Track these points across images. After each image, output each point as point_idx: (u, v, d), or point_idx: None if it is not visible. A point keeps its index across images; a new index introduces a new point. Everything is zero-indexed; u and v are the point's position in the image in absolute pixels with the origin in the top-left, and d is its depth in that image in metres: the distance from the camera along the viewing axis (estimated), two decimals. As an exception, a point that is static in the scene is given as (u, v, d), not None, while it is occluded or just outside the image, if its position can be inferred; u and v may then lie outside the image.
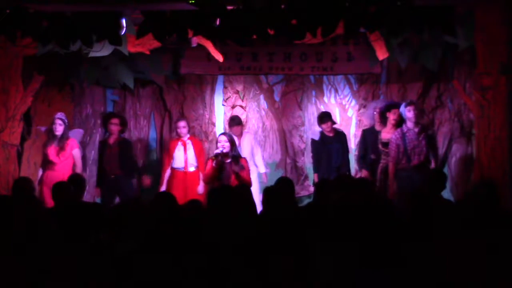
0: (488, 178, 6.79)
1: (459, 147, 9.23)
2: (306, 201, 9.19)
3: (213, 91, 9.98)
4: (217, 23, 6.54)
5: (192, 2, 6.35)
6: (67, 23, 6.82)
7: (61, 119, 8.41)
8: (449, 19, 6.67)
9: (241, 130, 9.30)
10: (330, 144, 8.86)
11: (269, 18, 6.41)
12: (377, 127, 8.71)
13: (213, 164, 7.57)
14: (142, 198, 8.75)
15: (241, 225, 4.96)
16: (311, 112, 9.85)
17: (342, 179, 6.64)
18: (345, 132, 9.32)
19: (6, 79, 8.22)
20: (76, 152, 8.40)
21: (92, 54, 8.01)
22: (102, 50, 7.86)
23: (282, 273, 4.28)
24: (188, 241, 4.50)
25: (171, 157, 9.02)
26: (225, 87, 9.96)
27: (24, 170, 8.82)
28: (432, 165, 8.24)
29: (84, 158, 8.77)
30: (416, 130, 8.12)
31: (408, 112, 8.13)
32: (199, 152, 9.00)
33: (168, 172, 9.04)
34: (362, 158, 8.82)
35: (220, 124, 9.95)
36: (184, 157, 8.94)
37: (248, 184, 7.28)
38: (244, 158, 7.86)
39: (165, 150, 9.54)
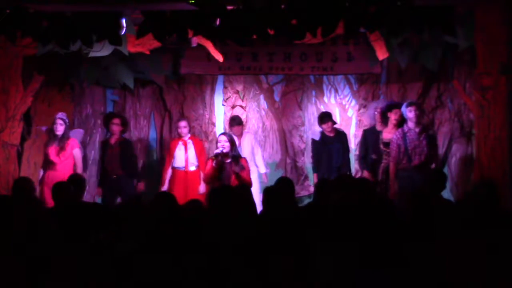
0: (488, 178, 6.79)
1: (459, 147, 9.23)
2: (306, 201, 9.19)
3: (213, 91, 9.98)
4: (217, 23, 6.53)
5: (192, 2, 6.35)
6: (67, 23, 6.82)
7: (62, 119, 8.41)
8: (449, 19, 6.67)
9: (242, 130, 9.30)
10: (331, 144, 8.86)
11: (269, 18, 6.41)
12: (378, 127, 8.71)
13: (213, 164, 7.57)
14: (143, 198, 8.75)
15: (241, 225, 4.96)
16: (311, 112, 9.85)
17: (342, 179, 6.64)
18: (345, 132, 9.31)
19: (6, 79, 8.22)
20: (77, 152, 8.41)
21: (92, 54, 8.01)
22: (102, 50, 7.86)
23: (282, 273, 4.28)
24: (188, 241, 4.50)
25: (171, 156, 9.02)
26: (225, 87, 9.95)
27: (24, 170, 8.82)
28: (433, 165, 8.24)
29: (85, 158, 8.77)
30: (417, 130, 8.12)
31: (409, 113, 8.13)
32: (199, 152, 9.00)
33: (169, 172, 9.05)
34: (363, 159, 8.82)
35: (220, 124, 9.94)
36: (184, 156, 8.95)
37: (249, 184, 7.28)
38: (244, 158, 7.86)
39: (166, 150, 9.55)
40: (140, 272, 4.26)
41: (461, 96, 8.84)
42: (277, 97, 9.95)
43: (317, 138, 8.97)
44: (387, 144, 8.33)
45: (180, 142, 9.01)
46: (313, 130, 9.58)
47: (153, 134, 9.98)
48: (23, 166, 8.89)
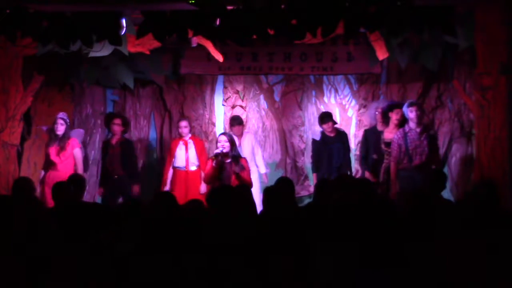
0: (488, 178, 6.79)
1: (459, 147, 9.24)
2: (306, 201, 9.19)
3: (213, 91, 9.98)
4: (217, 23, 6.54)
5: (192, 2, 6.35)
6: (67, 23, 6.83)
7: (62, 118, 8.42)
8: (449, 19, 6.67)
9: (242, 130, 9.29)
10: (332, 144, 8.85)
11: (269, 18, 6.41)
12: (379, 127, 8.70)
13: (213, 164, 7.57)
14: (143, 198, 8.74)
15: (241, 225, 4.96)
16: (311, 112, 9.85)
17: (342, 179, 6.64)
18: (346, 132, 9.31)
19: (6, 79, 8.22)
20: (77, 152, 8.40)
21: (92, 54, 8.01)
22: (102, 50, 7.86)
23: (282, 273, 4.28)
24: (188, 241, 4.50)
25: (172, 156, 9.01)
26: (225, 87, 9.95)
27: (24, 170, 8.83)
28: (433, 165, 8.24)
29: (86, 158, 8.78)
30: (418, 130, 8.11)
31: (410, 113, 8.12)
32: (200, 152, 9.00)
33: (170, 172, 9.04)
34: (363, 159, 8.81)
35: (220, 124, 9.95)
36: (185, 156, 8.94)
37: (249, 184, 7.28)
38: (244, 158, 7.86)
39: (166, 150, 9.55)
40: (140, 272, 4.26)
41: (461, 96, 8.84)
42: (277, 97, 9.95)
43: (317, 138, 8.97)
44: (388, 144, 8.33)
45: (181, 142, 9.01)
46: (313, 130, 9.58)
47: (153, 134, 9.97)
48: (23, 166, 8.90)
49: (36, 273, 4.20)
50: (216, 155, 7.59)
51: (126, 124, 9.19)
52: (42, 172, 8.48)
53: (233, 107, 9.90)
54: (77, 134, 8.87)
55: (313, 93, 9.89)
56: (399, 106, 8.46)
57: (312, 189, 9.25)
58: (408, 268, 4.20)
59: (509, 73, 7.00)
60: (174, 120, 9.82)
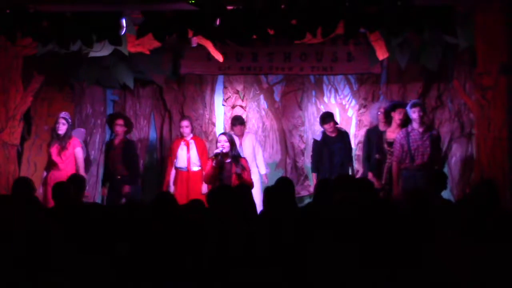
0: (488, 178, 6.78)
1: (459, 147, 9.24)
2: (306, 201, 9.19)
3: (213, 91, 9.97)
4: (217, 23, 6.53)
5: (192, 2, 6.35)
6: (67, 23, 6.82)
7: (64, 118, 8.42)
8: (449, 19, 6.66)
9: (243, 130, 9.28)
10: (333, 144, 8.84)
11: (269, 18, 6.41)
12: (381, 127, 8.70)
13: (213, 164, 7.57)
14: (143, 198, 8.75)
15: (241, 225, 4.96)
16: (311, 112, 9.85)
17: (342, 179, 6.63)
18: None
19: (6, 79, 8.22)
20: (78, 151, 8.40)
21: (92, 54, 8.01)
22: (102, 50, 7.86)
23: (282, 273, 4.28)
24: (188, 241, 4.50)
25: (174, 157, 9.00)
26: (225, 87, 9.95)
27: (24, 170, 8.82)
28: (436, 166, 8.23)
29: (87, 157, 8.78)
30: (421, 130, 8.11)
31: (413, 114, 8.11)
32: (202, 152, 8.98)
33: (172, 173, 9.02)
34: (366, 159, 8.80)
35: (220, 124, 9.95)
36: (187, 156, 8.93)
37: (250, 185, 7.28)
38: (244, 158, 7.86)
39: (166, 150, 9.55)
40: (140, 272, 4.26)
41: (461, 96, 8.84)
42: (277, 97, 9.95)
43: (318, 138, 8.96)
44: (391, 144, 8.33)
45: (183, 143, 8.99)
46: (313, 130, 9.58)
47: (153, 134, 9.97)
48: (23, 166, 8.89)
49: (36, 273, 4.20)
50: (216, 155, 7.59)
51: (128, 125, 9.18)
52: (45, 173, 8.48)
53: (233, 107, 9.90)
54: (79, 134, 8.87)
55: (313, 93, 9.89)
56: (402, 105, 8.46)
57: (312, 189, 9.26)
58: (408, 268, 4.20)
59: (509, 73, 6.99)
60: (174, 120, 9.82)
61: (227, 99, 9.94)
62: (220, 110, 9.99)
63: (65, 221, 4.75)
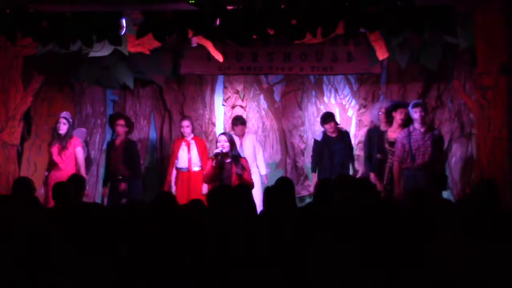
0: (488, 178, 6.78)
1: (459, 147, 9.24)
2: (307, 201, 9.19)
3: (213, 91, 9.97)
4: (217, 23, 6.53)
5: (192, 2, 6.35)
6: (67, 23, 6.82)
7: (65, 118, 8.42)
8: (449, 19, 6.66)
9: (244, 130, 9.28)
10: (333, 144, 8.83)
11: (269, 18, 6.41)
12: (383, 127, 8.69)
13: (213, 164, 7.57)
14: (144, 198, 8.74)
15: (241, 225, 4.96)
16: (311, 112, 9.85)
17: (342, 179, 6.63)
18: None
19: (6, 79, 8.23)
20: (79, 151, 8.40)
21: (92, 54, 8.01)
22: (102, 50, 7.86)
23: (282, 273, 4.28)
24: (188, 241, 4.50)
25: (175, 157, 8.99)
26: (225, 87, 9.95)
27: (24, 170, 8.83)
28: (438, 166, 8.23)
29: (88, 157, 8.77)
30: (422, 130, 8.11)
31: (415, 114, 8.10)
32: (202, 152, 8.97)
33: (173, 174, 9.00)
34: (367, 159, 8.80)
35: (220, 124, 9.94)
36: (187, 157, 8.92)
37: (250, 185, 7.28)
38: (244, 158, 7.86)
39: (166, 150, 9.54)
40: (140, 272, 4.26)
41: (461, 96, 8.84)
42: (277, 97, 9.95)
43: (318, 138, 8.96)
44: (392, 144, 8.32)
45: (183, 143, 8.98)
46: (313, 130, 9.58)
47: (153, 134, 9.97)
48: (23, 166, 8.90)
49: (36, 273, 4.20)
50: (216, 155, 7.59)
51: (129, 125, 9.16)
52: (46, 173, 8.48)
53: (233, 107, 9.90)
54: (80, 133, 8.87)
55: (313, 93, 9.89)
56: (403, 105, 8.44)
57: (312, 189, 9.26)
58: (408, 268, 4.20)
59: (509, 73, 6.99)
60: (174, 120, 9.82)
61: (227, 99, 9.94)
62: (220, 110, 9.99)
63: (65, 221, 4.75)
